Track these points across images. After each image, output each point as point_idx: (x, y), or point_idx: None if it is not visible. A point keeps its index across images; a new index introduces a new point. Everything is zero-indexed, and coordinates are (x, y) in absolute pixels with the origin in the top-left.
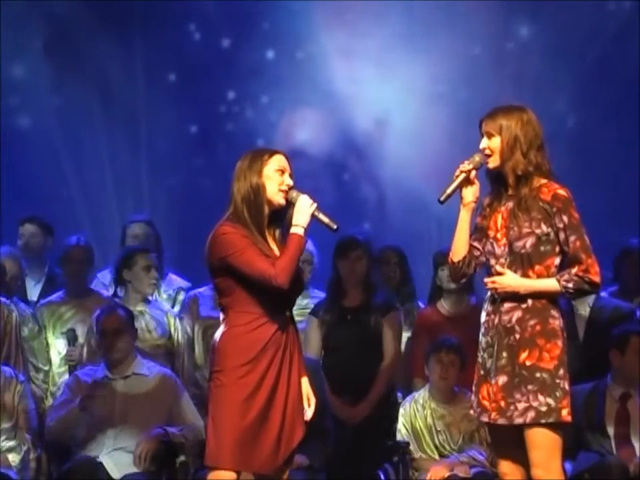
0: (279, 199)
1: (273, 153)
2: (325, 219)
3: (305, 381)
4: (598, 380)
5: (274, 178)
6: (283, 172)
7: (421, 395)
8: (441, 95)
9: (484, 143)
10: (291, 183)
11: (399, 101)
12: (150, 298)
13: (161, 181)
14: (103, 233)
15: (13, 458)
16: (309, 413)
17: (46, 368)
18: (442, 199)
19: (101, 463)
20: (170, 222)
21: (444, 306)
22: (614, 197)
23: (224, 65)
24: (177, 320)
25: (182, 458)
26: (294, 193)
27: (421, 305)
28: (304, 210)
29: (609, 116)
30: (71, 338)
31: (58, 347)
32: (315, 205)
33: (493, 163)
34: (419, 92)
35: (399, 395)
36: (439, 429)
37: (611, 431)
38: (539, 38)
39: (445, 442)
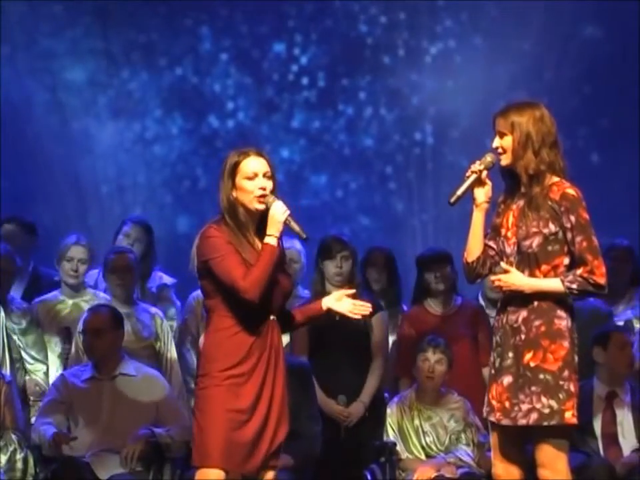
0: (256, 206)
1: (243, 157)
2: (296, 227)
3: (323, 300)
4: (584, 380)
5: (245, 187)
6: (254, 176)
7: (408, 395)
8: (501, 95)
9: (496, 142)
10: (265, 185)
11: (458, 100)
12: (135, 299)
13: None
14: None
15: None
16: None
17: (46, 362)
18: (452, 200)
19: (87, 464)
20: None
21: (432, 306)
22: None
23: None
24: (164, 322)
25: (168, 458)
26: (270, 199)
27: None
28: (276, 218)
29: None
30: (66, 336)
31: (54, 344)
32: (288, 212)
33: (506, 160)
34: (479, 92)
35: (386, 395)
36: (425, 429)
37: (598, 431)
38: (602, 38)
39: (431, 442)
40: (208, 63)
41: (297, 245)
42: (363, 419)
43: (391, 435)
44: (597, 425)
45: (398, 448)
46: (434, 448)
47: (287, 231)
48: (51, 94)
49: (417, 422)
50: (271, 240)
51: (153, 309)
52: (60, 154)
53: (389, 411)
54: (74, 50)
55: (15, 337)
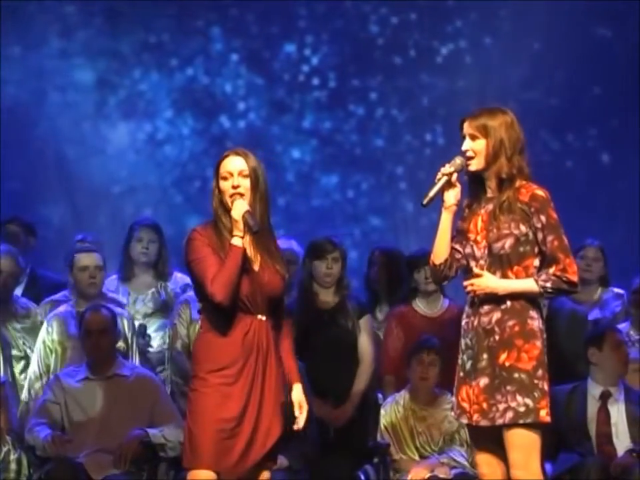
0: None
1: (222, 158)
2: (250, 223)
3: (297, 388)
4: (578, 381)
5: (222, 187)
6: (229, 176)
7: (402, 396)
8: (512, 95)
9: (466, 145)
10: (239, 183)
11: (469, 101)
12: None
13: None
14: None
15: None
16: (300, 422)
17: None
18: (424, 202)
19: (81, 464)
20: None
21: (419, 305)
22: None
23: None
24: (129, 323)
25: (162, 459)
26: (236, 198)
27: None
28: (235, 217)
29: None
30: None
31: None
32: (246, 208)
33: (477, 165)
34: (490, 92)
35: (380, 396)
36: (419, 430)
37: (592, 431)
38: (613, 39)
39: (425, 443)
40: (219, 64)
41: (295, 246)
42: (350, 419)
43: (384, 435)
44: (591, 425)
45: (392, 448)
46: (428, 448)
47: (285, 231)
48: (62, 94)
49: (411, 422)
50: (236, 240)
51: (119, 309)
52: (71, 154)
53: (382, 411)
54: (85, 50)
55: (18, 336)
